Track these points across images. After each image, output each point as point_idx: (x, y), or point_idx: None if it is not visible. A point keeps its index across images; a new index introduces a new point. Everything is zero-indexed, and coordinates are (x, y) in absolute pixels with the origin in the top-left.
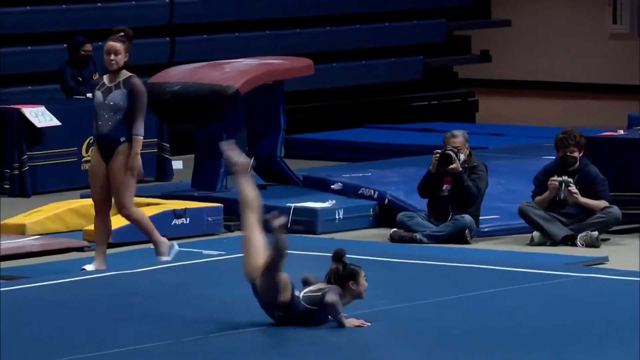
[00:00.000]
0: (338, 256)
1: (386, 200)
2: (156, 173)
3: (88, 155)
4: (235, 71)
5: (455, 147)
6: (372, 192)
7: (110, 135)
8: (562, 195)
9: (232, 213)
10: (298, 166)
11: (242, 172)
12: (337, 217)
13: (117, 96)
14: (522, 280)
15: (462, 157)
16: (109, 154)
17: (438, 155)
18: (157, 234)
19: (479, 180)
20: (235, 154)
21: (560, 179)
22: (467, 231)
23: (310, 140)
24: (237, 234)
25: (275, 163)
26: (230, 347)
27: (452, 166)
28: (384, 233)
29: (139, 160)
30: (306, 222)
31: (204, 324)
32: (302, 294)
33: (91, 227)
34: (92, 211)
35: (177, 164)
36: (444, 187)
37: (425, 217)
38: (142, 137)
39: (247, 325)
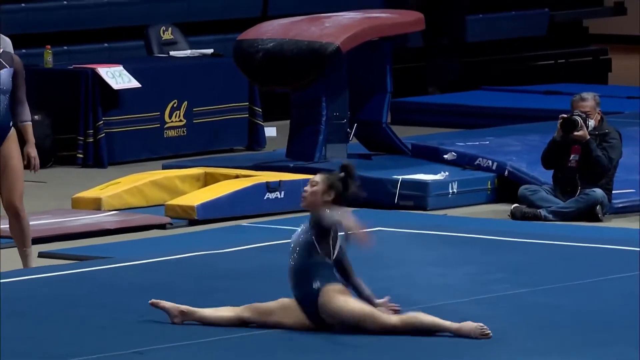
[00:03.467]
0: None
1: (506, 172)
2: (247, 141)
3: (172, 121)
4: (337, 26)
5: (584, 112)
6: (490, 163)
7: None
8: None
9: None
10: (406, 133)
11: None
12: (450, 190)
13: (5, 76)
14: None
15: (591, 123)
16: None
17: (562, 120)
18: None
19: (611, 149)
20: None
21: None
22: (598, 207)
23: (420, 104)
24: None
25: (381, 129)
26: (335, 336)
27: (578, 133)
28: (504, 209)
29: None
30: (415, 197)
31: None
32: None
33: (175, 201)
34: (177, 183)
35: (270, 131)
36: (571, 157)
37: (551, 191)
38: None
39: None
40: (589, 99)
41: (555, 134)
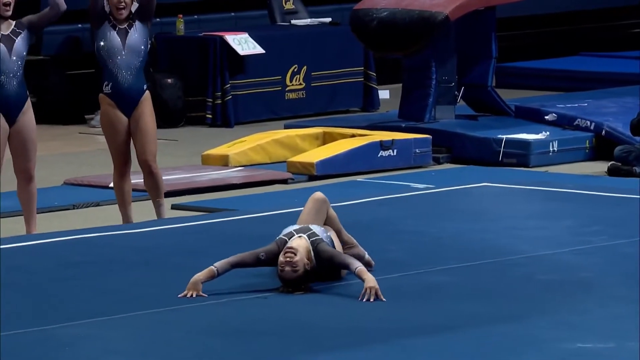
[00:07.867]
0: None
1: (603, 132)
2: (362, 103)
3: (292, 84)
4: None
5: None
6: (589, 123)
7: (17, 93)
8: None
9: (441, 145)
10: (510, 96)
11: None
12: (551, 149)
13: (21, 45)
14: None
15: None
16: (14, 114)
17: None
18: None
19: None
20: None
21: None
22: None
23: (522, 68)
24: (445, 166)
25: (486, 92)
26: (440, 283)
27: None
28: (601, 166)
29: None
30: (519, 155)
31: (410, 262)
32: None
33: (296, 158)
34: (298, 141)
35: (383, 94)
36: None
37: None
38: None
39: (458, 261)
40: None
41: None
